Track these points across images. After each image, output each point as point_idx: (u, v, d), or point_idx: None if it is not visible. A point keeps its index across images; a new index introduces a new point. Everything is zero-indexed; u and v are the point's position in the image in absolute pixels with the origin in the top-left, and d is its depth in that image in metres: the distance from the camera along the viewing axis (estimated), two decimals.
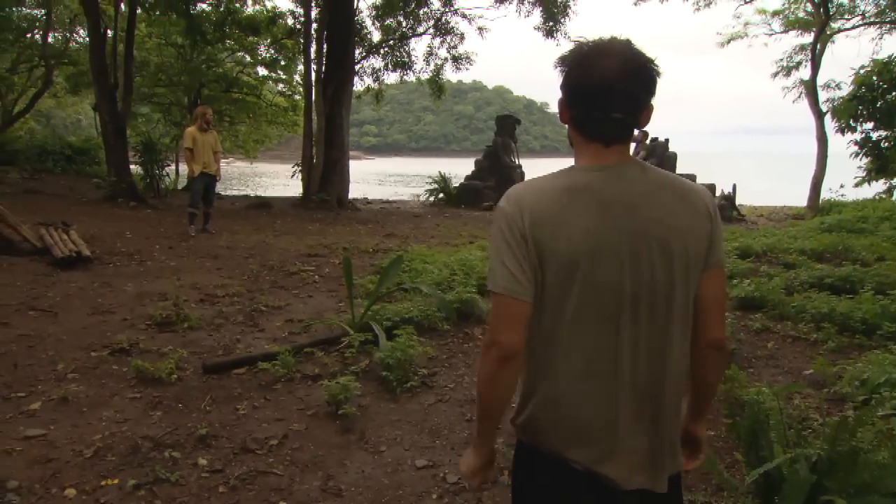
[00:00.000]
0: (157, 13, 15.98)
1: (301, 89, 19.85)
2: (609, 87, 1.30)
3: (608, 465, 1.34)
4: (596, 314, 1.31)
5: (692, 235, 1.34)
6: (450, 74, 18.99)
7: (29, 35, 21.32)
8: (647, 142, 14.14)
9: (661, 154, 16.95)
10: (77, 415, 3.56)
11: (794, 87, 20.76)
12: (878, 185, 14.48)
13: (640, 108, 1.34)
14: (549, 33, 17.25)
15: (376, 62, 19.07)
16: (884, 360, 4.09)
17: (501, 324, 1.33)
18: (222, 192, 19.35)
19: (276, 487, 2.97)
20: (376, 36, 18.88)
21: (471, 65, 19.07)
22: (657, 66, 1.33)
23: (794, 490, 2.34)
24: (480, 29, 18.71)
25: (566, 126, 1.43)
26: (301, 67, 18.89)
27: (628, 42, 1.34)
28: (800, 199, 18.32)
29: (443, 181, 18.91)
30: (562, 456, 1.36)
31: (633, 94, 1.32)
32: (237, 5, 18.75)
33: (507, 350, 1.32)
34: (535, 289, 1.31)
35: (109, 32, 15.45)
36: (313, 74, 15.56)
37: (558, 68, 1.38)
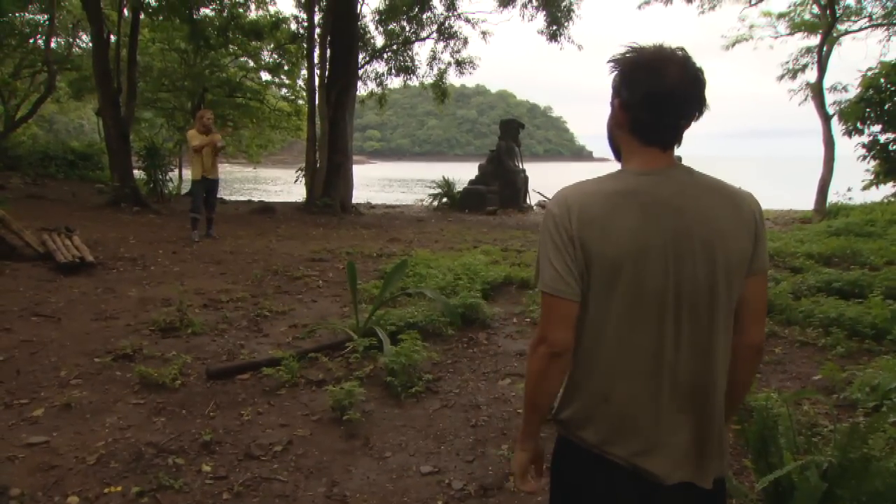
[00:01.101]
0: (161, 18, 16.01)
1: (304, 94, 19.90)
2: (682, 94, 1.34)
3: (650, 460, 1.37)
4: (641, 313, 1.34)
5: (737, 239, 1.37)
6: (453, 79, 19.10)
7: (32, 40, 21.38)
8: None
9: None
10: (80, 421, 3.54)
11: (800, 90, 20.69)
12: (887, 189, 14.39)
13: (701, 113, 1.39)
14: (553, 37, 17.24)
15: (380, 67, 19.09)
16: (894, 365, 4.04)
17: (551, 322, 1.39)
18: (226, 197, 19.41)
19: (281, 494, 2.95)
20: (380, 40, 18.91)
21: (474, 69, 19.08)
22: (702, 70, 1.38)
23: (806, 498, 2.31)
24: (484, 33, 18.72)
25: (617, 129, 1.45)
26: (304, 72, 18.95)
27: (679, 49, 1.38)
28: (806, 202, 18.23)
29: (446, 185, 18.90)
30: (603, 450, 1.39)
31: (699, 101, 1.37)
32: (240, 10, 18.78)
33: (558, 347, 1.38)
34: (581, 288, 1.36)
35: (112, 37, 15.48)
36: (317, 79, 15.59)
37: (616, 72, 1.41)
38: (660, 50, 1.37)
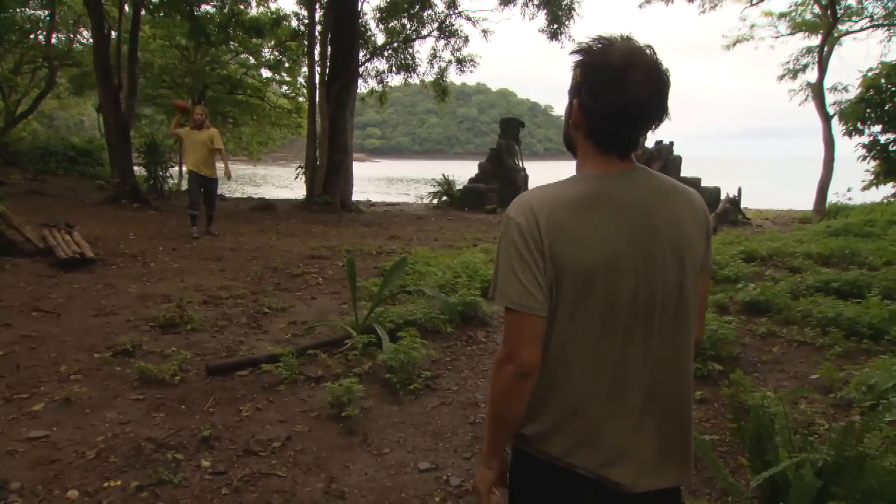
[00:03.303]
0: (162, 15, 16.03)
1: (305, 91, 19.91)
2: (644, 105, 1.28)
3: (617, 470, 1.32)
4: (612, 321, 1.29)
5: (697, 241, 1.37)
6: (454, 77, 19.13)
7: (32, 36, 21.40)
8: (650, 144, 14.14)
9: (666, 157, 16.94)
10: (80, 416, 3.55)
11: (801, 90, 20.71)
12: (886, 189, 14.34)
13: (660, 122, 1.33)
14: (554, 36, 17.23)
15: (380, 64, 19.11)
16: (891, 365, 4.05)
17: (519, 340, 1.29)
18: (226, 194, 19.41)
19: (279, 489, 2.96)
20: (380, 38, 18.92)
21: (475, 67, 19.07)
22: (668, 71, 1.32)
23: (801, 495, 2.32)
24: (485, 31, 18.72)
25: (574, 129, 1.38)
26: (305, 69, 18.95)
27: (647, 47, 1.31)
28: (806, 202, 18.25)
29: (446, 184, 18.92)
30: (568, 463, 1.33)
31: (660, 108, 1.30)
32: (241, 7, 18.78)
33: (526, 367, 1.29)
34: (549, 302, 1.28)
35: (113, 34, 15.49)
36: (317, 76, 15.60)
37: (577, 70, 1.33)
38: (626, 52, 1.28)
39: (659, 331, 1.32)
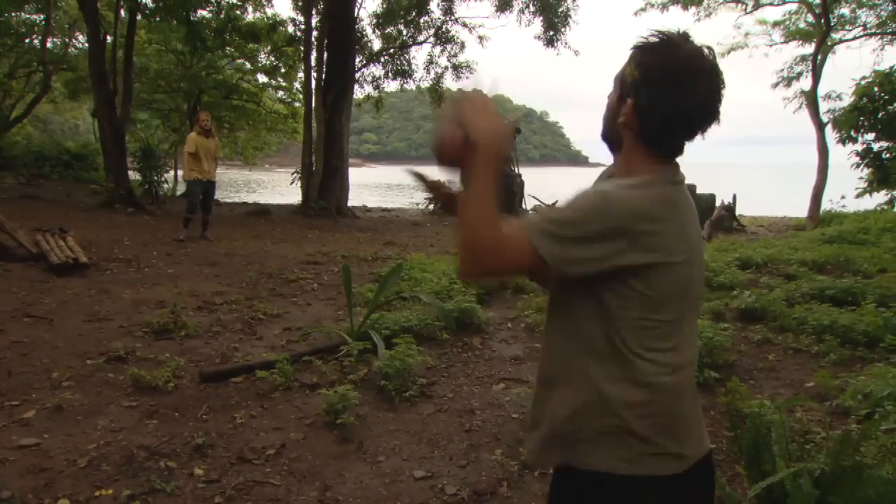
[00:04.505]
0: (157, 19, 15.99)
1: (301, 96, 19.88)
2: (706, 112, 1.27)
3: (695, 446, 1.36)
4: (688, 311, 1.35)
5: None
6: (450, 83, 19.02)
7: (28, 40, 21.32)
8: None
9: None
10: (72, 423, 3.52)
11: (794, 98, 20.80)
12: (880, 197, 14.46)
13: (713, 126, 1.33)
14: (550, 42, 17.29)
15: (376, 70, 19.11)
16: (887, 373, 4.05)
17: (510, 256, 1.21)
18: (221, 199, 19.36)
19: (273, 498, 2.93)
20: (377, 44, 18.93)
21: (471, 73, 19.11)
22: (722, 74, 1.33)
23: None
24: (481, 38, 18.77)
25: (626, 128, 1.33)
26: (301, 75, 18.94)
27: (707, 48, 1.29)
28: (800, 209, 18.31)
29: None
30: (670, 452, 1.29)
31: (717, 115, 1.30)
32: (237, 12, 18.78)
33: (490, 275, 1.46)
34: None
35: (109, 38, 15.47)
36: (313, 82, 15.60)
37: (636, 64, 1.28)
38: (690, 55, 1.25)
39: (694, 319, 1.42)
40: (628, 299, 1.25)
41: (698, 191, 16.50)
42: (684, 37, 1.28)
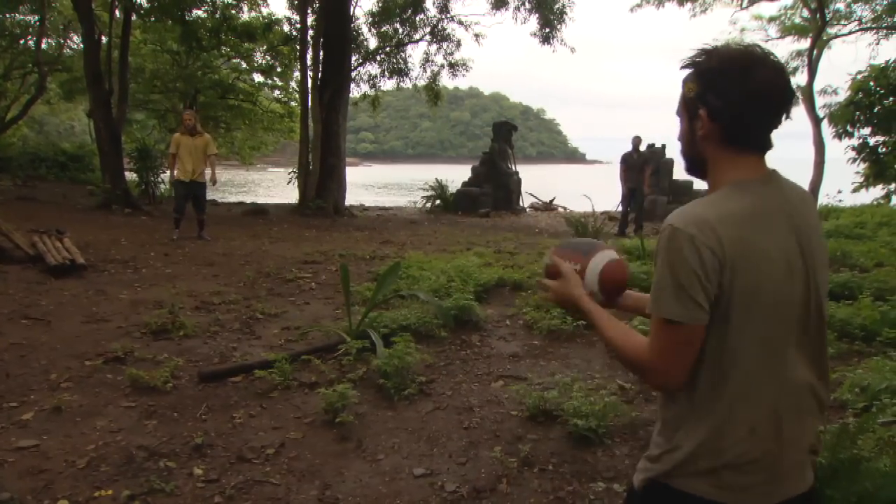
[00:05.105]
0: (152, 19, 15.96)
1: (297, 96, 19.87)
2: (782, 90, 1.27)
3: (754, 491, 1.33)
4: (788, 338, 1.28)
5: (825, 251, 1.36)
6: (446, 81, 19.09)
7: (22, 41, 21.26)
8: (642, 148, 14.13)
9: (658, 160, 16.98)
10: (70, 424, 3.52)
11: None
12: (876, 191, 14.47)
13: (790, 110, 1.31)
14: (546, 39, 17.29)
15: (373, 69, 19.11)
16: (884, 366, 4.07)
17: (673, 354, 1.26)
18: (218, 199, 19.34)
19: (273, 497, 2.94)
20: (373, 43, 18.92)
21: (467, 71, 19.11)
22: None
23: None
24: (477, 35, 18.77)
25: (705, 141, 1.33)
26: (297, 74, 18.92)
27: (759, 47, 1.31)
28: None
29: (440, 188, 18.92)
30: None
31: (793, 96, 1.30)
32: (233, 12, 18.75)
33: (669, 386, 1.31)
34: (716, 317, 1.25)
35: (104, 39, 15.41)
36: (310, 81, 15.57)
37: (691, 83, 1.32)
38: (739, 49, 1.28)
39: (810, 349, 1.31)
40: None
41: (696, 187, 16.55)
42: (729, 44, 1.32)
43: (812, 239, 1.29)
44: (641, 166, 13.30)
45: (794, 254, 1.25)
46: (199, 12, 17.66)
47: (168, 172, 10.87)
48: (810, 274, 1.27)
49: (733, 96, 1.26)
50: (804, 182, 17.74)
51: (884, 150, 11.97)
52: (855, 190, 14.17)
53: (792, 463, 1.30)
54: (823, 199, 16.99)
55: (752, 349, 1.24)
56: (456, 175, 20.50)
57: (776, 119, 1.29)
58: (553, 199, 21.30)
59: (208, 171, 9.87)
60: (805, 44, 19.65)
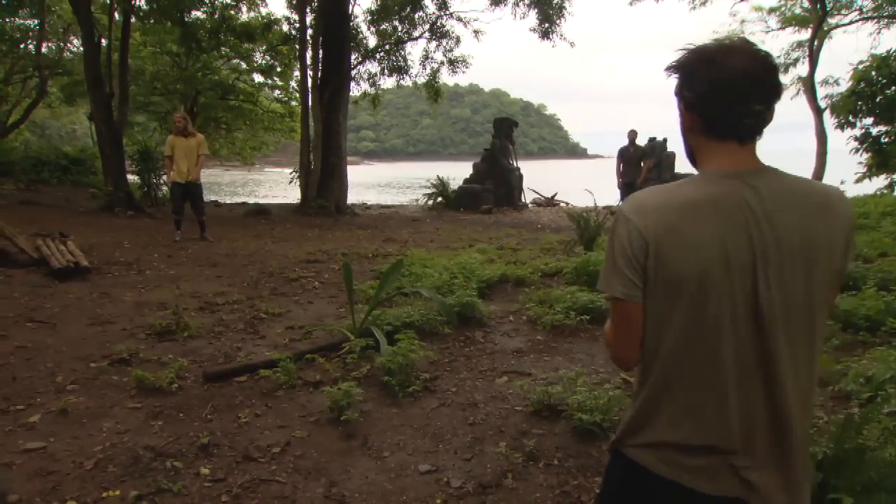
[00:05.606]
0: (152, 21, 15.98)
1: (297, 95, 19.87)
2: (750, 78, 1.26)
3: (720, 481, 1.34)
4: (723, 327, 1.26)
5: (833, 248, 1.28)
6: (446, 78, 19.09)
7: (22, 45, 21.31)
8: (642, 142, 14.10)
9: (660, 153, 16.96)
10: (77, 426, 3.53)
11: (792, 84, 20.77)
12: (879, 181, 14.43)
13: (777, 98, 1.30)
14: (545, 35, 17.26)
15: (372, 67, 19.09)
16: (888, 356, 4.06)
17: (620, 330, 1.37)
18: (220, 200, 19.38)
19: (280, 495, 2.95)
20: (372, 41, 18.90)
21: (467, 68, 19.06)
22: (771, 54, 1.31)
23: None
24: (476, 32, 18.72)
25: (689, 134, 1.38)
26: (297, 73, 18.91)
27: (747, 40, 1.32)
28: None
29: (441, 185, 18.91)
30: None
31: (771, 85, 1.28)
32: (231, 12, 18.74)
33: (623, 364, 1.42)
34: (652, 298, 1.30)
35: (104, 41, 15.42)
36: (310, 80, 15.57)
37: (674, 75, 1.35)
38: (720, 43, 1.30)
39: (783, 343, 1.26)
40: None
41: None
42: (716, 40, 1.33)
43: (787, 236, 1.24)
44: (638, 160, 13.29)
45: (737, 247, 1.23)
46: (197, 13, 17.69)
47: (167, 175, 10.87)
48: (768, 271, 1.24)
49: (701, 86, 1.30)
50: (807, 173, 17.71)
51: (886, 139, 11.93)
52: (858, 180, 14.14)
53: (741, 462, 1.29)
54: None
55: (677, 332, 1.28)
56: (457, 172, 20.50)
57: (744, 106, 1.28)
58: (555, 195, 21.28)
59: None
60: (806, 34, 19.59)
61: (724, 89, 1.27)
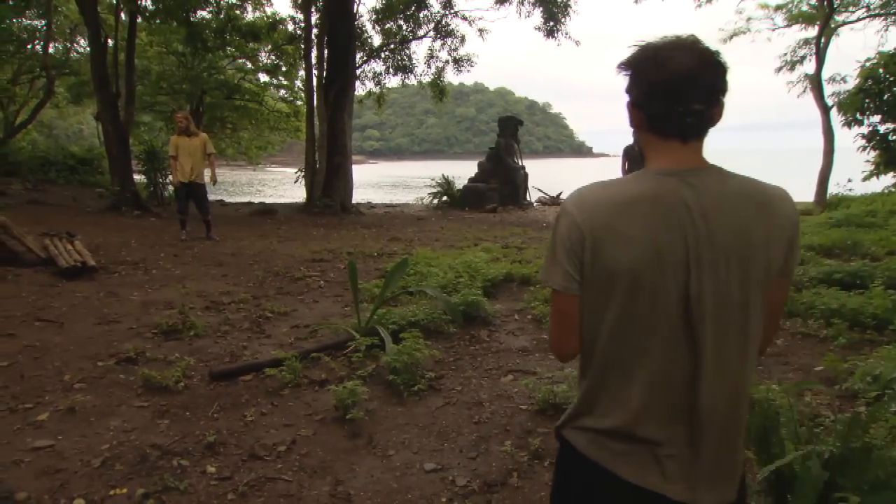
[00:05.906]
0: (158, 21, 16.02)
1: (303, 94, 19.90)
2: (690, 77, 1.25)
3: (654, 477, 1.38)
4: (656, 323, 1.27)
5: (768, 248, 1.28)
6: (451, 77, 19.15)
7: (30, 46, 21.41)
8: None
9: None
10: (84, 425, 3.55)
11: (799, 82, 20.64)
12: (887, 179, 14.32)
13: (719, 99, 1.29)
14: (550, 33, 17.24)
15: (377, 66, 19.11)
16: (895, 355, 4.04)
17: (557, 323, 1.40)
18: (226, 199, 19.43)
19: (285, 493, 2.96)
20: (377, 40, 18.93)
21: (472, 67, 19.07)
22: (725, 60, 1.30)
23: (807, 487, 2.31)
24: (481, 31, 18.71)
25: (637, 131, 1.39)
26: (302, 73, 18.93)
27: (696, 38, 1.31)
28: (807, 194, 18.19)
29: (446, 184, 18.92)
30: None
31: (712, 84, 1.28)
32: (237, 12, 18.79)
33: (562, 356, 1.44)
34: (590, 293, 1.33)
35: (110, 42, 15.50)
36: (315, 79, 15.60)
37: (623, 72, 1.35)
38: (667, 40, 1.29)
39: (717, 345, 1.27)
40: None
41: None
42: (665, 37, 1.32)
43: (722, 234, 1.25)
44: (640, 156, 13.26)
45: (671, 244, 1.24)
46: (203, 13, 17.72)
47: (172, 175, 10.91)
48: (701, 268, 1.24)
49: (643, 85, 1.31)
50: (814, 171, 17.64)
51: (894, 137, 11.86)
52: (865, 178, 14.05)
53: (664, 452, 1.31)
54: (833, 189, 16.86)
55: (611, 326, 1.30)
56: (462, 171, 20.51)
57: (684, 106, 1.27)
58: (560, 194, 21.25)
59: (208, 172, 9.89)
60: (813, 32, 19.46)
61: (664, 88, 1.27)
